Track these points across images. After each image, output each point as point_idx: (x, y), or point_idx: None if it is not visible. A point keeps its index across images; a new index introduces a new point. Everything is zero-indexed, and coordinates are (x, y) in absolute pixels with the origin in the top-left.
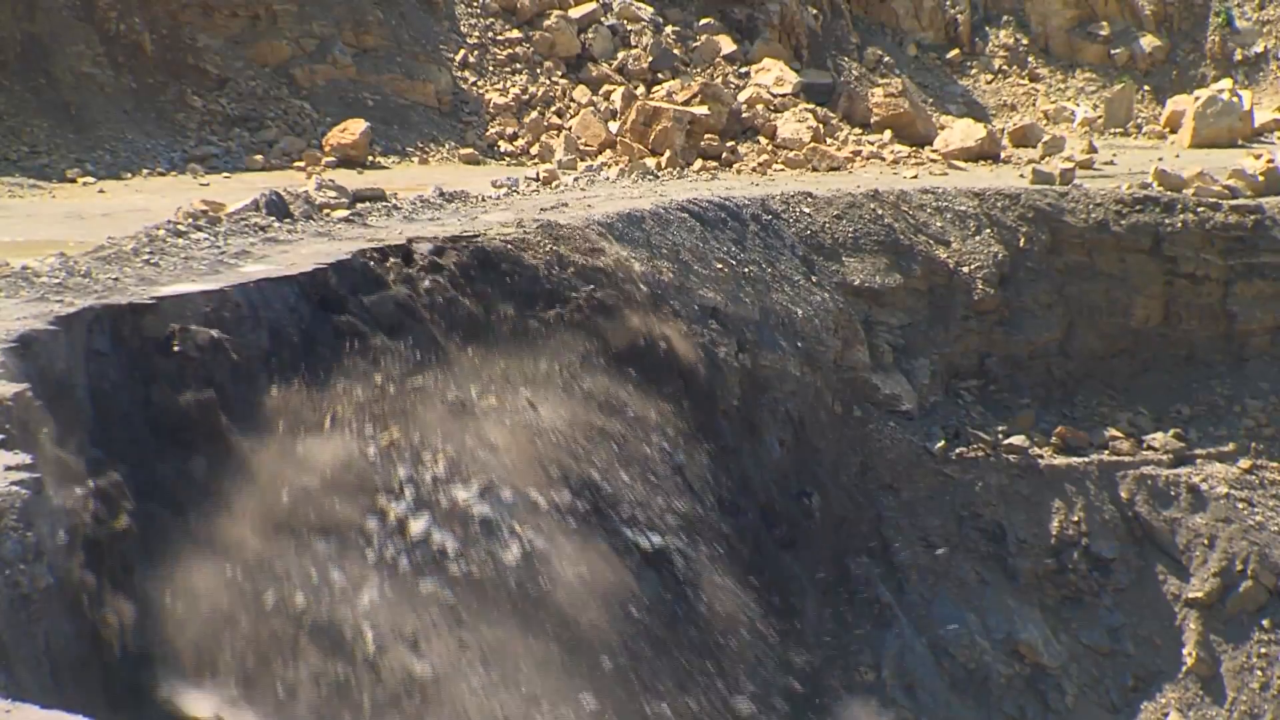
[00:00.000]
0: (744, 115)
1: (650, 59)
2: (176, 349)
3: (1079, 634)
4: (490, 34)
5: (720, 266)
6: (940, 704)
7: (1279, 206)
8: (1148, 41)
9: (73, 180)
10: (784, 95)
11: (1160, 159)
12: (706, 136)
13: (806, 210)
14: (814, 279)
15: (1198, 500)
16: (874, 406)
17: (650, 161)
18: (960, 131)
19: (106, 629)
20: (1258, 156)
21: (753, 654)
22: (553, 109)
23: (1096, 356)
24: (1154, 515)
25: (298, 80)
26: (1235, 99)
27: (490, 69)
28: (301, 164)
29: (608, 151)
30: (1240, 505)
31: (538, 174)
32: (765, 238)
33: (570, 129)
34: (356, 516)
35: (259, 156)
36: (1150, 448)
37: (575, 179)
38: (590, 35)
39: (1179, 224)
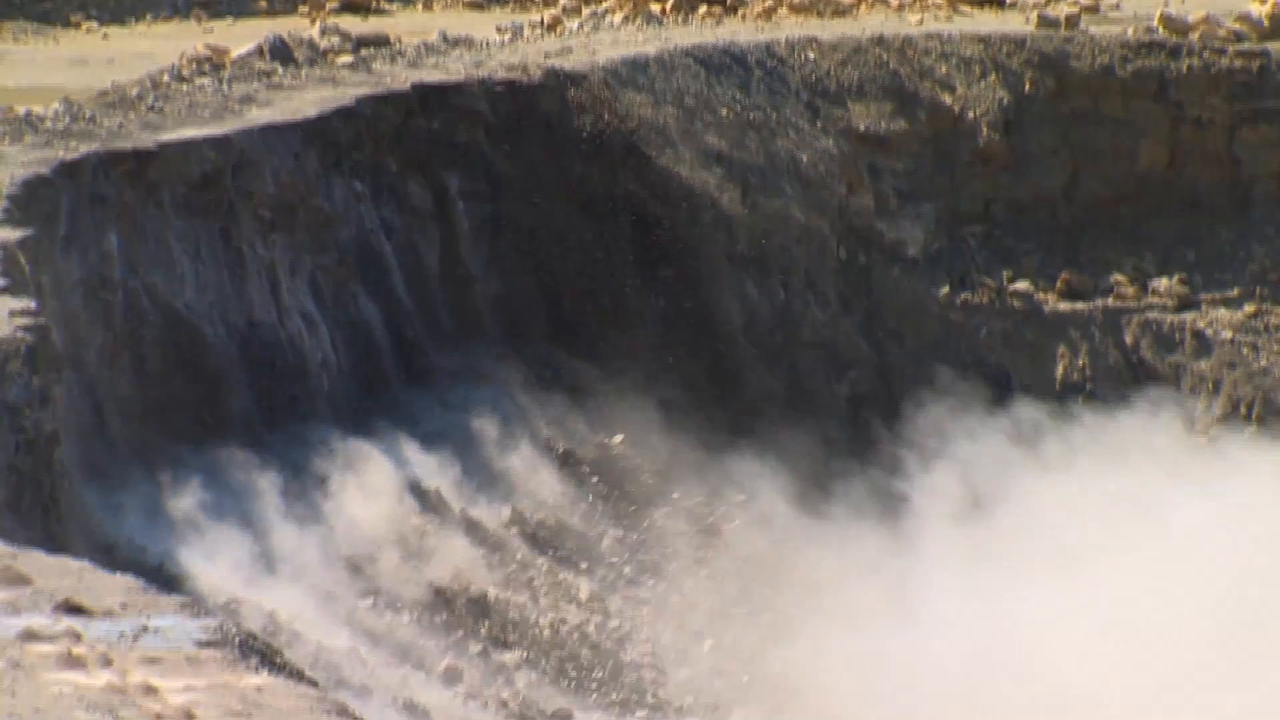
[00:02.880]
0: None
1: None
2: None
3: None
4: None
5: (725, 112)
6: None
7: None
8: None
9: (77, 25)
10: None
11: (1166, 3)
12: None
13: (811, 56)
14: (819, 125)
15: (1202, 345)
16: (879, 252)
17: (655, 7)
18: None
19: None
20: (1263, 1)
21: None
22: None
23: (1102, 202)
24: (1158, 360)
25: None
26: None
27: None
28: (305, 9)
29: None
30: (1245, 350)
31: (542, 19)
32: (770, 84)
33: None
34: None
35: (263, 2)
36: (1155, 293)
37: (580, 24)
38: None
39: (1184, 69)
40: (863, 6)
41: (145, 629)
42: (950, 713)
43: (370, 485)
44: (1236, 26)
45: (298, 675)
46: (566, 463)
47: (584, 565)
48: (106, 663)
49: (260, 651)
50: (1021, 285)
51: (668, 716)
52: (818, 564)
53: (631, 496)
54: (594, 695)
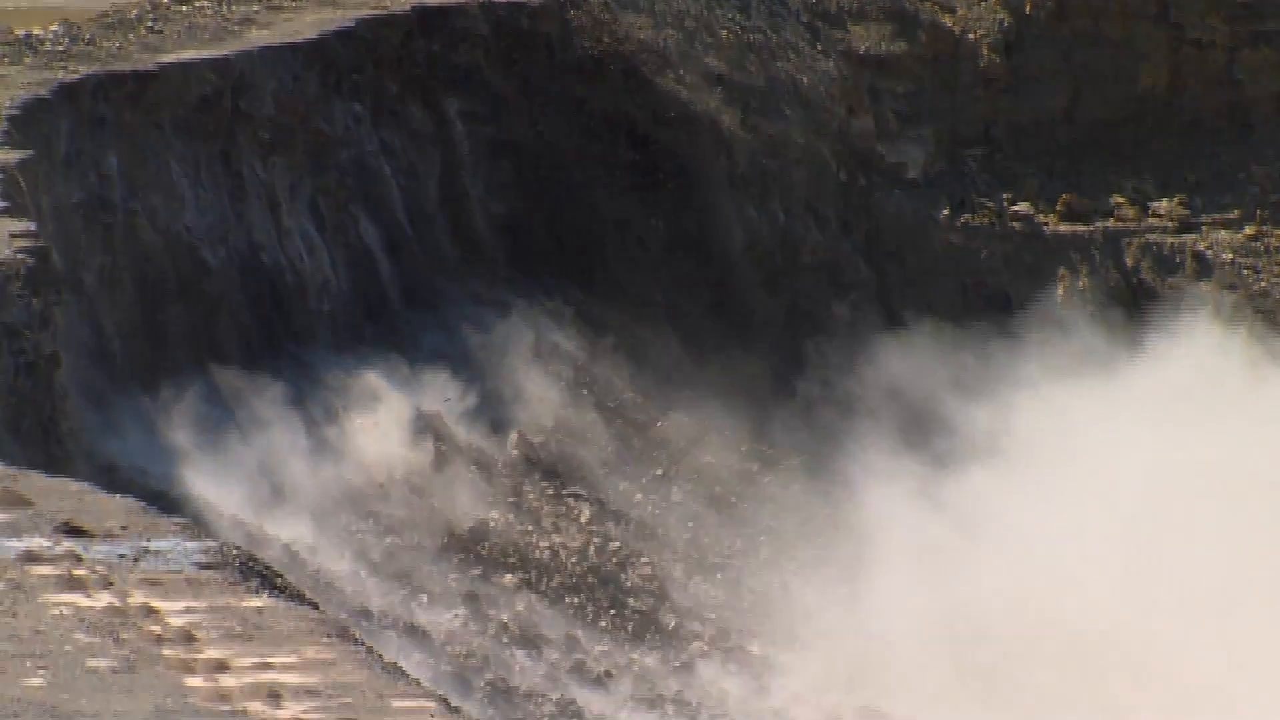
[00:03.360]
0: None
1: None
2: None
3: None
4: None
5: (725, 35)
6: None
7: None
8: None
9: None
10: None
11: None
12: None
13: None
14: (819, 47)
15: (1202, 267)
16: (879, 175)
17: None
18: None
19: None
20: None
21: None
22: None
23: (1102, 124)
24: (1158, 282)
25: None
26: None
27: None
28: None
29: None
30: (1245, 272)
31: None
32: (770, 5)
33: None
34: None
35: None
36: (1155, 215)
37: None
38: None
39: None
40: None
41: (146, 551)
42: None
43: (371, 409)
44: None
45: (299, 597)
46: (568, 386)
47: (585, 490)
48: (107, 584)
49: (261, 574)
50: (1022, 207)
51: (675, 645)
52: (818, 494)
53: (635, 421)
54: (603, 621)
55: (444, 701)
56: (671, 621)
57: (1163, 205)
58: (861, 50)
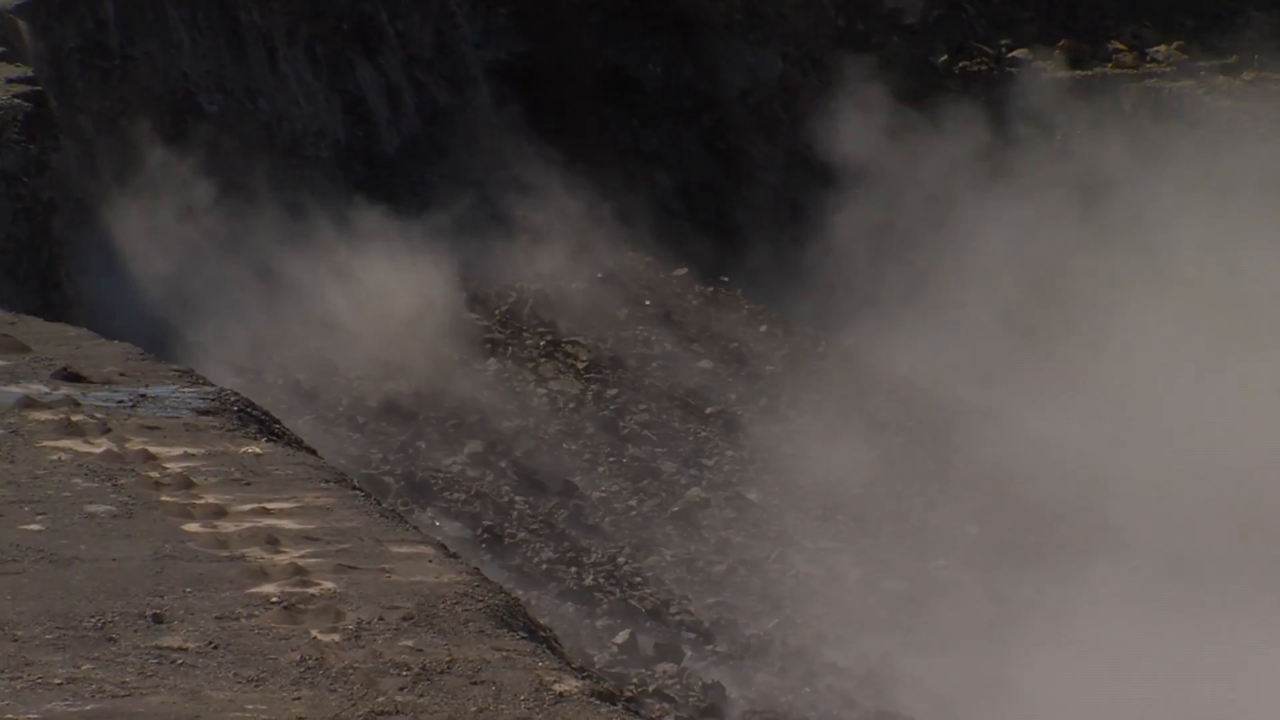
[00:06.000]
0: None
1: None
2: None
3: None
4: None
5: None
6: None
7: None
8: None
9: None
10: None
11: None
12: None
13: None
14: None
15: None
16: (877, 20)
17: None
18: None
19: None
20: None
21: None
22: None
23: None
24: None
25: None
26: None
27: None
28: None
29: None
30: (1243, 117)
31: None
32: None
33: None
34: None
35: None
36: (1153, 60)
37: None
38: None
39: None
40: None
41: (143, 397)
42: None
43: (367, 256)
44: None
45: (296, 443)
46: (565, 234)
47: (583, 338)
48: (105, 430)
49: (259, 419)
50: (1020, 53)
51: (673, 492)
52: (816, 343)
53: (632, 270)
54: (601, 468)
55: (442, 548)
56: (668, 469)
57: (1161, 50)
58: None
